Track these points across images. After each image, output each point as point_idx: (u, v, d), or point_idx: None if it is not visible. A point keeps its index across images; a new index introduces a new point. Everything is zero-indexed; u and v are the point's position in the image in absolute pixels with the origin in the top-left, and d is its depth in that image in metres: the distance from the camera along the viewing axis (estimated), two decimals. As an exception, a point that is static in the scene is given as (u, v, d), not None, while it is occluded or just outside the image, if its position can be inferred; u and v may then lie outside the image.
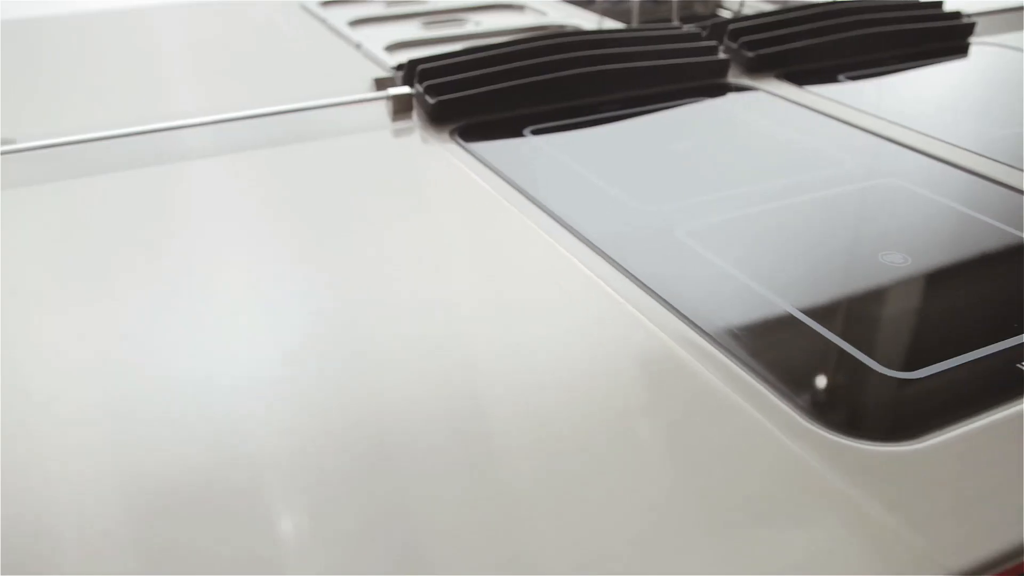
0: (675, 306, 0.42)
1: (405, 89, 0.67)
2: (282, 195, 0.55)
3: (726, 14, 1.10)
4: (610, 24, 0.97)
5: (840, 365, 0.38)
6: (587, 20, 0.97)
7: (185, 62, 0.84)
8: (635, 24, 0.98)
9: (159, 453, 0.33)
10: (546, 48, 0.70)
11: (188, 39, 0.92)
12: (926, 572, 0.28)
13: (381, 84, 0.71)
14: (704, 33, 0.78)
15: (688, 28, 0.78)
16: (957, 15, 0.83)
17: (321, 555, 0.28)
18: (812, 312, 0.41)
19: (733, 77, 0.75)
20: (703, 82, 0.74)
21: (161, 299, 0.43)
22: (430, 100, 0.65)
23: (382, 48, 0.84)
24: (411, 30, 0.93)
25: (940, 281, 0.44)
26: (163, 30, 0.96)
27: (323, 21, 0.96)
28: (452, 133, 0.64)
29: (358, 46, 0.86)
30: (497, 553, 0.28)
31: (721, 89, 0.73)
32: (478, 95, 0.66)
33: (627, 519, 0.30)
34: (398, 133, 0.65)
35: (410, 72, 0.69)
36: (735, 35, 0.77)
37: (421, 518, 0.30)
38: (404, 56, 0.82)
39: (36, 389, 0.37)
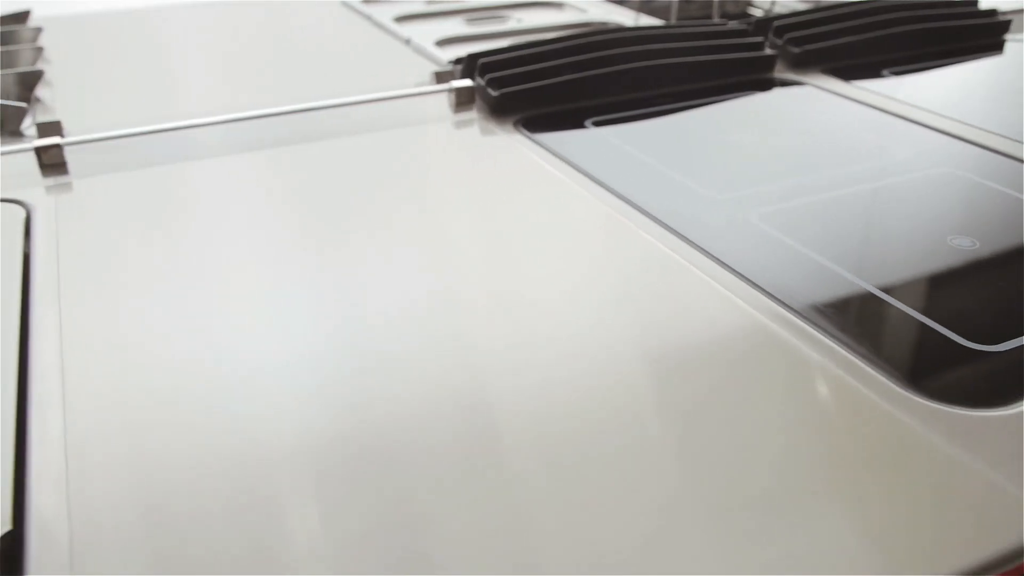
0: (761, 285, 0.44)
1: (467, 82, 0.70)
2: (361, 182, 0.57)
3: (757, 12, 1.12)
4: (646, 20, 0.99)
5: (926, 339, 0.40)
6: (625, 17, 1.00)
7: (241, 57, 0.86)
8: (673, 21, 1.00)
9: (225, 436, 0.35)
10: (603, 43, 0.72)
11: (239, 35, 0.94)
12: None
13: (441, 77, 0.73)
14: (749, 29, 0.81)
15: (734, 24, 0.80)
16: (993, 13, 0.86)
17: (390, 537, 0.31)
18: (891, 290, 0.44)
19: (778, 72, 0.77)
20: (750, 77, 0.76)
21: (264, 272, 0.45)
22: (493, 92, 0.67)
23: (432, 43, 0.86)
24: (456, 26, 0.95)
25: (1010, 263, 0.46)
26: (211, 27, 0.98)
27: (368, 18, 0.98)
28: (516, 124, 0.66)
29: (407, 41, 0.88)
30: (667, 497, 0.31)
31: (768, 84, 0.75)
32: (540, 88, 0.68)
33: (758, 476, 0.32)
34: (462, 124, 0.67)
35: (470, 66, 0.71)
36: (780, 32, 0.79)
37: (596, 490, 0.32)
38: (454, 51, 0.84)
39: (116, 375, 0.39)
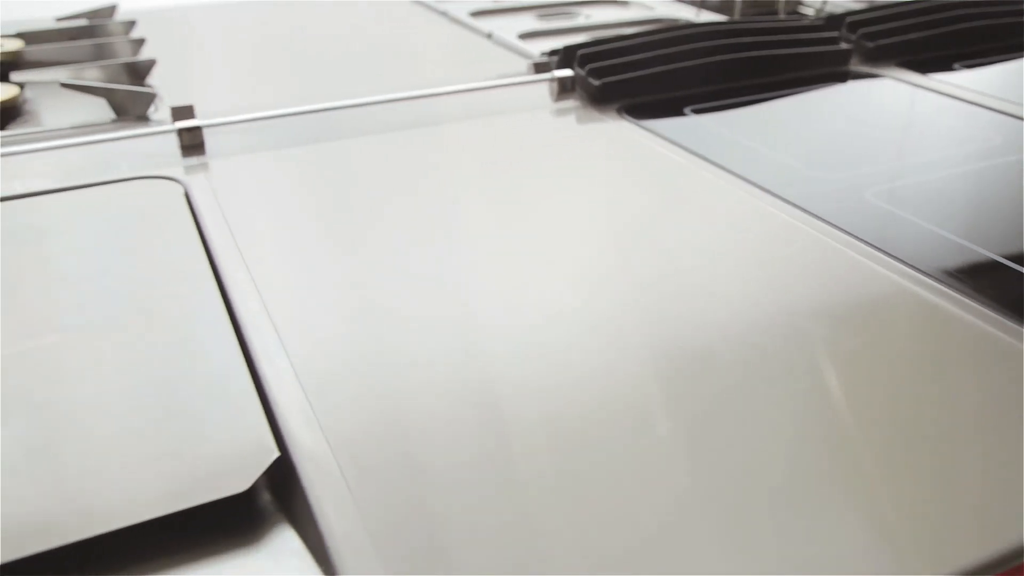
0: (891, 252, 0.48)
1: (568, 72, 0.73)
2: (487, 160, 0.60)
3: (808, 11, 1.16)
4: (707, 16, 1.03)
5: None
6: (690, 14, 1.03)
7: (331, 49, 0.89)
8: (737, 17, 1.03)
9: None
10: (693, 36, 0.76)
11: (319, 30, 0.97)
12: None
13: (540, 68, 0.76)
14: (823, 25, 0.84)
15: (810, 20, 0.84)
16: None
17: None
18: (1016, 259, 0.47)
19: (853, 66, 0.81)
20: (827, 70, 0.80)
21: (399, 251, 0.49)
22: (595, 82, 0.71)
23: (515, 37, 0.90)
24: (529, 21, 0.98)
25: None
26: (285, 23, 1.01)
27: (444, 14, 1.01)
28: (619, 111, 0.69)
29: (489, 35, 0.91)
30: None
31: (845, 76, 0.79)
32: (640, 77, 0.71)
33: (939, 432, 0.35)
34: (567, 111, 0.70)
35: (568, 57, 0.75)
36: (853, 27, 0.83)
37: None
38: (536, 45, 0.88)
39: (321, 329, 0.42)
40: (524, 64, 0.82)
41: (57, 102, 0.78)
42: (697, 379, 0.38)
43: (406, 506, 0.31)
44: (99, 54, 0.87)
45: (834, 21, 0.85)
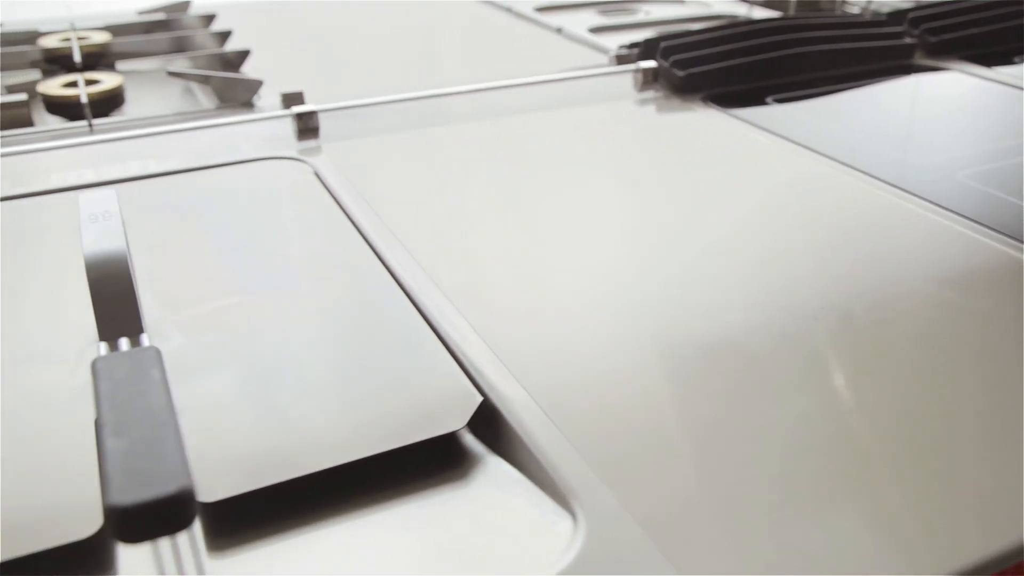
0: (995, 227, 0.51)
1: (652, 63, 0.76)
2: (588, 145, 0.63)
3: (854, 9, 1.19)
4: (761, 13, 1.06)
5: None
6: (743, 10, 1.07)
7: (409, 43, 0.92)
8: (791, 13, 1.07)
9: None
10: (768, 30, 0.79)
11: (395, 24, 1.00)
12: None
13: (622, 60, 0.79)
14: (886, 20, 0.88)
15: (872, 16, 0.87)
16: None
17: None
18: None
19: (916, 60, 0.84)
20: (892, 63, 0.83)
21: (531, 221, 0.52)
22: (679, 73, 0.74)
23: (586, 31, 0.93)
24: (591, 17, 1.01)
25: None
26: (358, 19, 1.04)
27: (508, 10, 1.04)
28: (704, 99, 0.73)
29: (559, 30, 0.95)
30: None
31: (911, 69, 0.82)
32: (722, 68, 0.75)
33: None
34: (652, 100, 0.74)
35: (650, 49, 0.78)
36: (916, 22, 0.86)
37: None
38: (606, 39, 0.91)
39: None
40: (596, 57, 0.85)
41: (152, 91, 0.81)
42: (845, 334, 0.41)
43: (608, 435, 0.34)
44: (181, 45, 0.90)
45: (896, 16, 0.88)
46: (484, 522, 0.31)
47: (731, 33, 0.79)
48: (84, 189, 0.55)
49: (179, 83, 0.81)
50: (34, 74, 0.79)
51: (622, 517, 0.30)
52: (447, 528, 0.31)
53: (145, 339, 0.31)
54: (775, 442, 0.34)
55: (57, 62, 0.85)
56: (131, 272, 0.41)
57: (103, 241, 0.42)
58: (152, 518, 0.22)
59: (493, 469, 0.34)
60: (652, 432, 0.35)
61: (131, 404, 0.26)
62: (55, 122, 0.73)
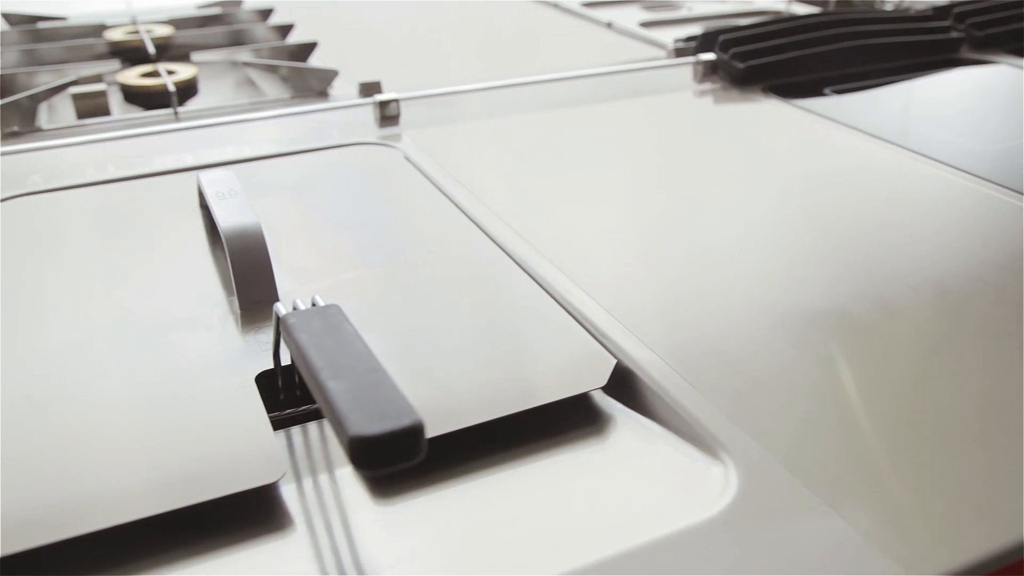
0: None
1: (711, 56, 0.79)
2: (659, 132, 0.66)
3: (887, 6, 1.21)
4: (800, 9, 1.09)
5: None
6: (783, 6, 1.09)
7: (463, 37, 0.95)
8: (830, 9, 1.09)
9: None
10: (822, 24, 0.82)
11: (446, 19, 1.03)
12: None
13: (680, 52, 0.82)
14: (932, 15, 0.90)
15: (918, 11, 0.90)
16: None
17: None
18: None
19: (962, 53, 0.87)
20: (940, 57, 0.85)
21: (623, 200, 0.54)
22: (739, 65, 0.76)
23: (636, 25, 0.95)
24: (636, 12, 1.04)
25: None
26: (417, 16, 1.07)
27: (555, 5, 1.07)
28: (764, 90, 0.75)
29: (609, 25, 0.97)
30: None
31: (958, 63, 0.84)
32: (780, 61, 0.77)
33: None
34: (711, 91, 0.76)
35: (708, 42, 0.80)
36: (961, 17, 0.89)
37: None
38: (657, 33, 0.93)
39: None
40: (649, 50, 0.87)
41: (219, 81, 0.83)
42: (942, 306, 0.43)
43: (737, 390, 0.36)
44: (242, 38, 0.92)
45: (942, 12, 0.90)
46: (639, 470, 0.34)
47: (787, 27, 0.81)
48: (193, 171, 0.58)
49: (240, 74, 0.83)
50: (109, 65, 0.81)
51: (769, 461, 0.33)
52: (605, 475, 0.34)
53: (320, 299, 0.33)
54: (889, 391, 0.37)
55: (122, 54, 0.88)
56: (266, 244, 0.43)
57: (236, 216, 0.44)
58: (390, 449, 0.24)
59: (632, 424, 0.36)
60: (778, 386, 0.37)
61: (337, 352, 0.28)
62: (133, 111, 0.75)
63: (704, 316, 0.42)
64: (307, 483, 0.33)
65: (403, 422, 0.24)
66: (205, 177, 0.49)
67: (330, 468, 0.34)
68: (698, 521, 0.31)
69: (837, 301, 0.43)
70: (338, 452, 0.35)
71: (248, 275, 0.43)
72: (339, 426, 0.25)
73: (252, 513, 0.32)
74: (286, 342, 0.32)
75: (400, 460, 0.24)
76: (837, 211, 0.53)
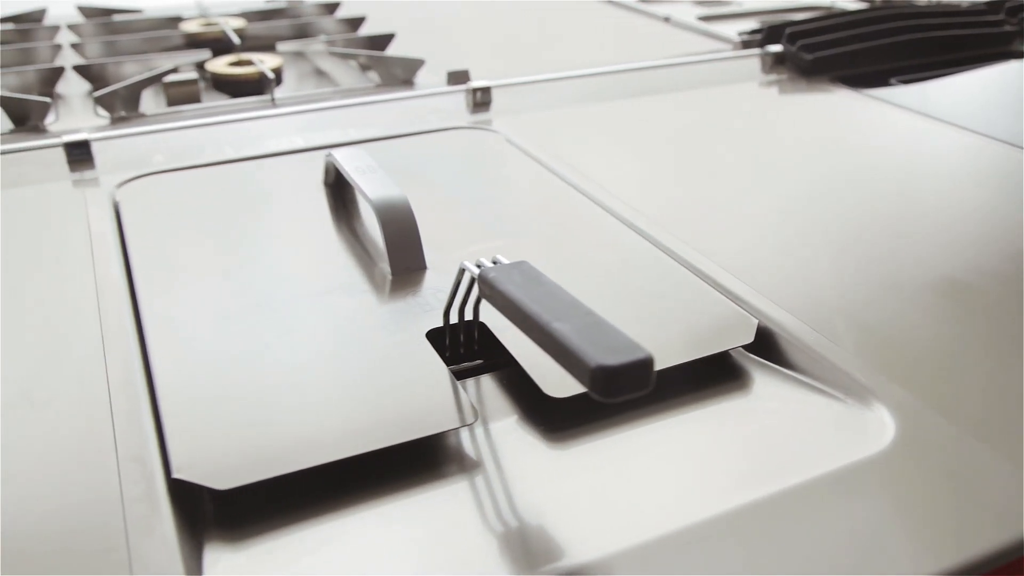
0: None
1: (779, 47, 0.81)
2: (736, 119, 0.68)
3: (921, 0, 1.24)
4: (852, 4, 1.12)
5: None
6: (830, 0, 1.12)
7: (525, 29, 0.98)
8: (878, 3, 1.12)
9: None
10: (883, 17, 0.85)
11: (503, 12, 1.05)
12: None
13: (747, 44, 0.85)
14: (985, 9, 0.93)
15: (972, 5, 0.93)
16: None
17: None
18: None
19: (1014, 46, 0.90)
20: (995, 49, 0.88)
21: (727, 178, 0.57)
22: (807, 56, 0.79)
23: (694, 19, 0.98)
24: (690, 7, 1.07)
25: None
26: (485, 14, 1.09)
27: (609, 2, 1.10)
28: (833, 80, 0.78)
29: (667, 19, 1.00)
30: None
31: (1013, 55, 0.87)
32: (845, 53, 0.80)
33: None
34: (780, 82, 0.79)
35: (773, 35, 0.83)
36: (1013, 11, 0.92)
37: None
38: (715, 27, 0.96)
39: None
40: (709, 43, 0.90)
41: (298, 71, 0.86)
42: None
43: (875, 345, 0.39)
44: (312, 31, 0.95)
45: (994, 6, 0.93)
46: (797, 416, 0.36)
47: (851, 20, 0.84)
48: (307, 152, 0.60)
49: (312, 65, 0.86)
50: (200, 54, 0.84)
51: (922, 405, 0.35)
52: (766, 422, 0.36)
53: (503, 257, 0.36)
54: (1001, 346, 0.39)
55: (199, 45, 0.90)
56: (414, 215, 0.46)
57: (384, 188, 0.47)
58: (628, 379, 0.27)
59: (780, 378, 0.39)
60: (913, 340, 0.40)
61: (548, 300, 0.31)
62: (220, 99, 0.78)
63: (829, 280, 0.45)
64: (479, 431, 0.36)
65: (638, 355, 0.27)
66: (340, 154, 0.52)
67: (504, 417, 0.37)
68: (863, 458, 0.33)
69: (949, 268, 0.46)
70: (511, 402, 0.38)
71: (399, 243, 0.45)
72: (577, 360, 0.28)
73: (434, 458, 0.35)
74: (486, 295, 0.34)
75: (635, 389, 0.27)
76: (937, 188, 0.56)
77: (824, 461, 0.34)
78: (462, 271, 0.37)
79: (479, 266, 0.36)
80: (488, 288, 0.34)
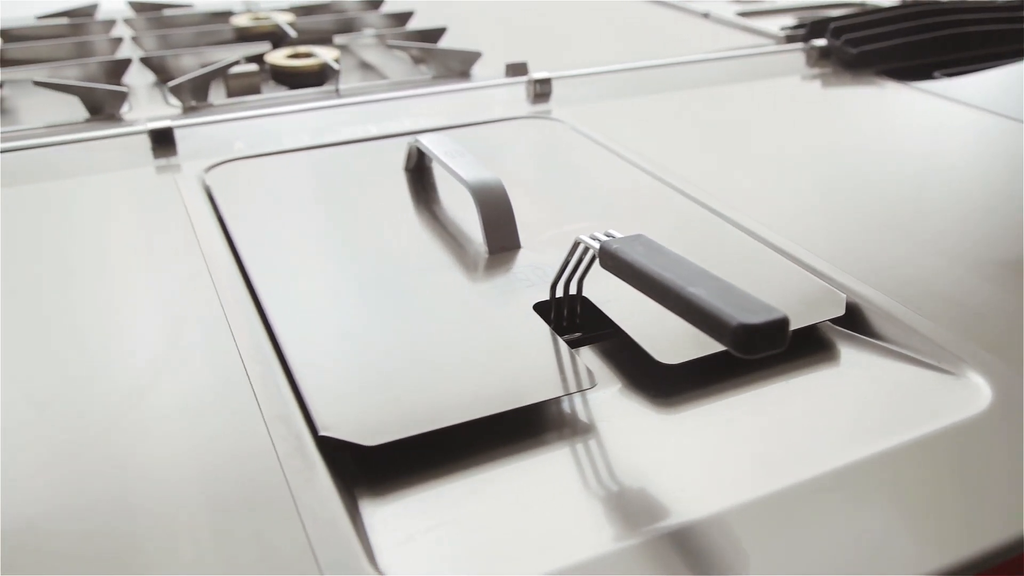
0: None
1: (823, 41, 0.83)
2: (785, 111, 0.71)
3: None
4: (887, 1, 1.14)
5: None
6: None
7: (567, 26, 1.00)
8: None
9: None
10: (927, 12, 0.87)
11: (547, 10, 1.07)
12: None
13: (791, 39, 0.87)
14: (1019, 4, 0.95)
15: (1009, 1, 0.95)
16: None
17: None
18: None
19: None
20: (1031, 45, 0.90)
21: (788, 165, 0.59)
22: (851, 50, 0.81)
23: (734, 15, 1.00)
24: (725, 4, 1.09)
25: None
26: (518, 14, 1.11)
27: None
28: (877, 74, 0.80)
29: (706, 15, 1.02)
30: None
31: (1047, 50, 0.89)
32: (892, 46, 0.82)
33: None
34: (824, 75, 0.81)
35: (817, 29, 0.85)
36: (1048, 8, 0.94)
37: None
38: (754, 22, 0.98)
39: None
40: (749, 38, 0.92)
41: (348, 64, 0.88)
42: None
43: (960, 317, 0.41)
44: (358, 25, 0.97)
45: (1028, 3, 0.96)
46: (896, 382, 0.39)
47: (894, 15, 0.86)
48: (382, 140, 0.62)
49: (360, 57, 0.88)
50: (260, 47, 0.86)
51: (1014, 371, 0.37)
52: (864, 388, 0.38)
53: (616, 232, 0.38)
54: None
55: (250, 39, 0.92)
56: (508, 196, 0.48)
57: (478, 171, 0.49)
58: (768, 336, 0.29)
59: (873, 349, 0.41)
60: (996, 312, 0.42)
61: (675, 268, 0.33)
62: (281, 90, 0.80)
63: (905, 256, 0.47)
64: (591, 397, 0.38)
65: (776, 315, 0.29)
66: (426, 139, 0.54)
67: (609, 385, 0.39)
68: (961, 419, 0.36)
69: (1021, 243, 0.48)
70: (613, 371, 0.40)
71: (495, 223, 0.47)
72: (717, 321, 0.30)
73: (546, 423, 0.37)
74: (608, 267, 0.36)
75: (772, 347, 0.29)
76: (995, 172, 0.58)
77: (924, 424, 0.36)
78: (576, 244, 0.39)
79: (596, 240, 0.38)
80: (612, 259, 0.36)
